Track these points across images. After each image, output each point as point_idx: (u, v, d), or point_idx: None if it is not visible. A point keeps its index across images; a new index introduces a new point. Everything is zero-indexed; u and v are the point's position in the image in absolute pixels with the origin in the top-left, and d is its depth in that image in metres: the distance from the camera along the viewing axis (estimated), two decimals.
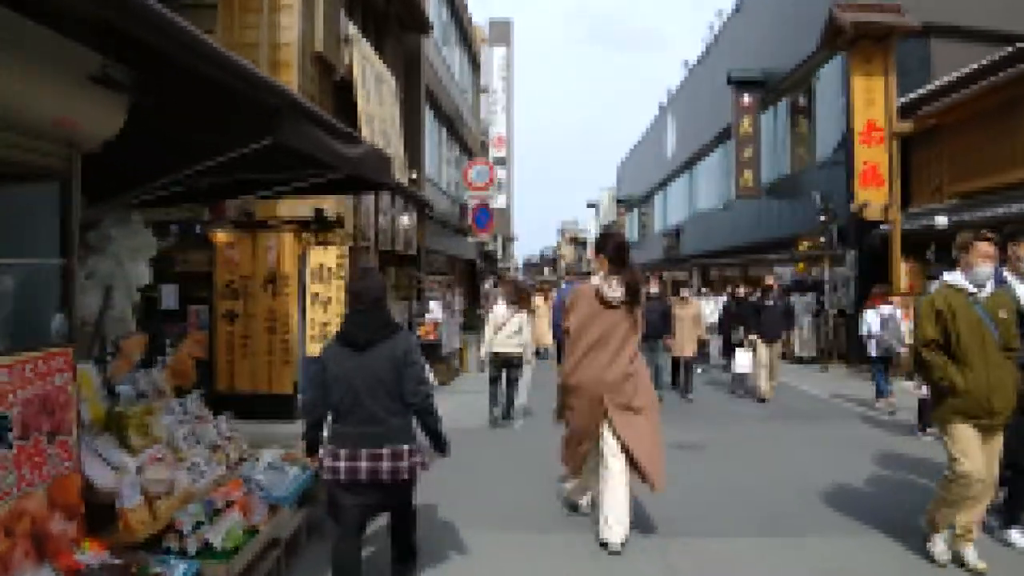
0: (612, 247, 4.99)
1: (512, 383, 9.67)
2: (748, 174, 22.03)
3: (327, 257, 9.27)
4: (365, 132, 11.06)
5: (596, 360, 4.83)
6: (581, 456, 5.16)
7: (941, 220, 12.63)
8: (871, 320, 10.22)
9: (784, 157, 22.01)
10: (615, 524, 4.74)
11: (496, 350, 9.40)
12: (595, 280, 4.93)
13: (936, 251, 13.79)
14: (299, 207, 9.23)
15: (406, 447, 3.79)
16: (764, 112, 22.59)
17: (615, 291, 4.80)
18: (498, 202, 27.60)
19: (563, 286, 15.12)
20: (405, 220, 11.95)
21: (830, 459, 7.53)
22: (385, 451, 3.72)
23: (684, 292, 11.97)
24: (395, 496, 4.01)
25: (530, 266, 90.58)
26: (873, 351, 10.32)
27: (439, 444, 4.04)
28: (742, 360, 11.17)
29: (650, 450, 4.80)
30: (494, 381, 9.64)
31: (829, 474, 6.82)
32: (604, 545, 4.81)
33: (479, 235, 14.35)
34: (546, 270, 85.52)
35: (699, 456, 7.73)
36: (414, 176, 14.34)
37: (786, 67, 20.96)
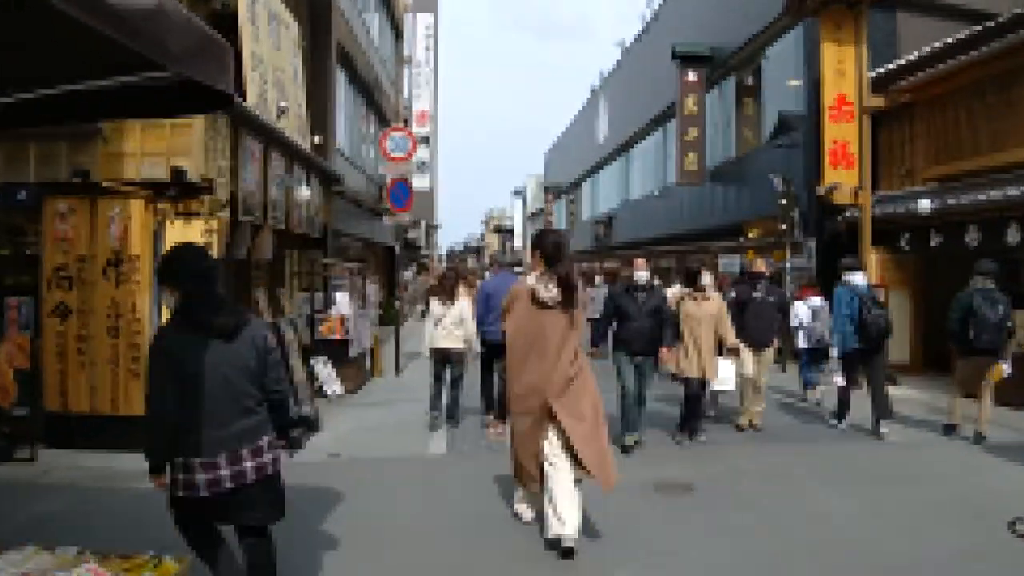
0: (550, 245, 4.84)
1: (456, 382, 8.66)
2: (692, 156, 20.46)
3: (190, 233, 7.09)
4: (253, 77, 8.82)
5: (539, 364, 4.67)
6: (536, 467, 4.79)
7: (925, 204, 11.14)
8: (802, 313, 10.49)
9: (730, 140, 20.54)
10: (567, 519, 4.51)
11: (434, 345, 8.49)
12: (530, 280, 4.79)
13: (911, 239, 12.38)
14: (152, 165, 6.98)
15: (267, 438, 3.42)
16: (709, 92, 21.04)
17: (550, 291, 4.67)
18: (421, 184, 25.42)
19: (487, 276, 13.24)
20: (304, 193, 9.74)
21: (856, 501, 5.76)
22: (263, 443, 3.37)
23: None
24: (264, 505, 3.42)
25: (454, 255, 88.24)
26: (803, 343, 10.53)
27: (291, 438, 3.86)
28: (725, 373, 7.82)
29: (598, 451, 4.65)
30: (436, 380, 8.61)
31: (868, 527, 5.05)
32: (555, 543, 4.57)
33: (397, 215, 12.20)
34: (470, 259, 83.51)
35: (690, 502, 5.87)
36: (318, 141, 12.10)
37: (733, 44, 19.46)
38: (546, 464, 4.69)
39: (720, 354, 7.77)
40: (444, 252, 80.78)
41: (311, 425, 8.23)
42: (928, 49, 12.36)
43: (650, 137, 27.83)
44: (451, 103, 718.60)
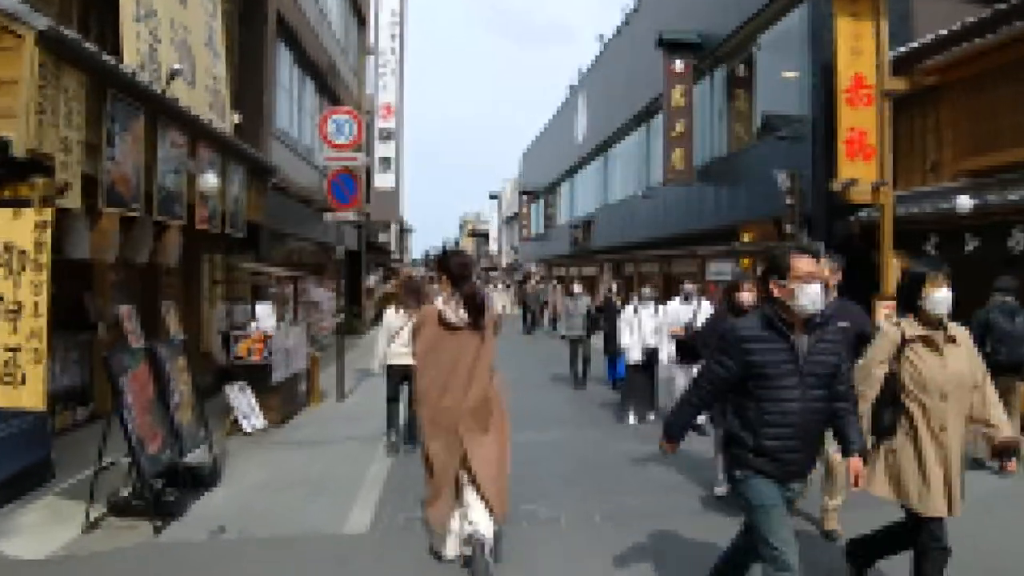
0: (456, 266, 4.71)
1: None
2: (679, 154, 18.66)
3: (16, 230, 5.17)
4: (135, 30, 6.89)
5: (448, 390, 4.54)
6: (448, 491, 4.64)
7: (964, 202, 9.37)
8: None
9: (720, 135, 18.79)
10: (479, 520, 4.48)
11: (392, 363, 7.73)
12: (438, 302, 4.66)
13: (940, 243, 10.65)
14: None
15: None
16: (698, 83, 19.29)
17: (458, 313, 4.55)
18: (385, 182, 23.46)
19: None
20: (210, 181, 7.74)
21: None
22: None
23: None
24: None
25: (428, 259, 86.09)
26: None
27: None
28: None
29: (495, 475, 4.59)
30: (392, 401, 7.85)
31: None
32: (467, 540, 4.54)
33: (340, 211, 10.27)
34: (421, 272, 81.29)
35: None
36: (237, 120, 10.13)
37: (722, 31, 17.74)
38: (466, 487, 4.60)
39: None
40: (416, 256, 78.75)
41: (198, 480, 6.28)
42: (958, 25, 10.66)
43: (632, 135, 26.09)
44: (426, 105, 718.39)
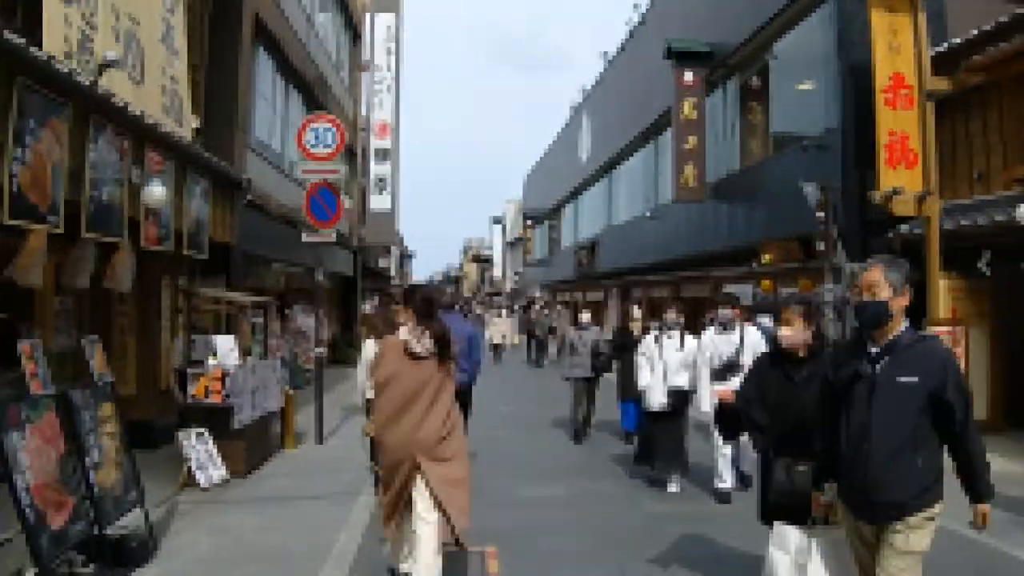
0: (420, 299, 4.78)
1: None
2: (690, 170, 17.53)
3: None
4: (61, 12, 5.80)
5: (407, 418, 4.57)
6: (399, 517, 4.75)
7: None
8: None
9: (733, 150, 17.69)
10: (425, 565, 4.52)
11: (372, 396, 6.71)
12: (402, 333, 4.70)
13: (993, 259, 9.48)
14: None
15: None
16: (709, 95, 18.22)
17: (423, 343, 4.59)
18: (381, 204, 22.37)
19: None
20: (156, 193, 6.58)
21: None
22: None
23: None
24: None
25: (430, 284, 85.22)
26: None
27: None
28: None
29: (454, 493, 4.61)
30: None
31: None
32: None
33: (319, 230, 9.12)
34: (448, 290, 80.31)
35: None
36: (195, 125, 9.01)
37: (734, 40, 16.70)
38: (417, 520, 4.60)
39: None
40: (422, 279, 77.69)
41: (126, 554, 5.06)
42: (1007, 17, 9.56)
43: (638, 153, 25.06)
44: (425, 131, 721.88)
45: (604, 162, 28.67)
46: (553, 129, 64.61)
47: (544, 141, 79.68)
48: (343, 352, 20.64)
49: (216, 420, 7.46)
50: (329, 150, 9.43)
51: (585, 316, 10.51)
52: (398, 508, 4.70)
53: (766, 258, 15.44)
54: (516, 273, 57.64)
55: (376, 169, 21.69)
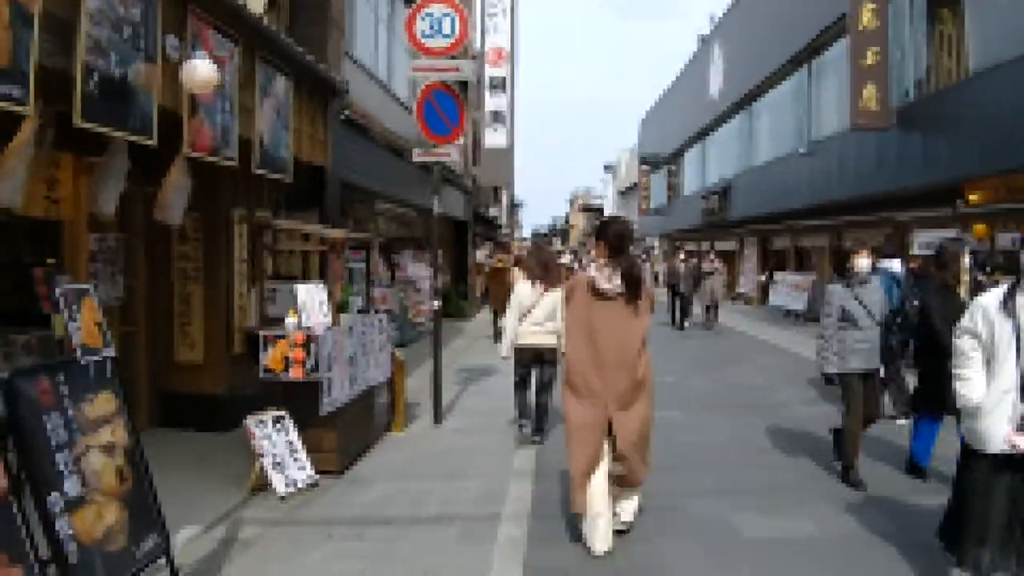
0: (612, 233, 4.47)
1: (546, 387, 6.72)
2: (870, 92, 14.38)
3: None
4: None
5: (600, 365, 4.31)
6: (591, 469, 4.29)
7: None
8: None
9: (917, 70, 14.50)
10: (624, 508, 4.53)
11: (522, 342, 6.57)
12: (591, 270, 4.48)
13: None
14: None
15: None
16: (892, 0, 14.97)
17: (612, 282, 4.31)
18: (496, 140, 20.09)
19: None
20: (203, 70, 4.40)
21: None
22: None
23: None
24: None
25: (539, 236, 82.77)
26: None
27: None
28: None
29: (637, 442, 4.35)
30: (520, 386, 6.79)
31: None
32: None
33: (438, 147, 6.91)
34: (555, 241, 77.90)
35: None
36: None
37: None
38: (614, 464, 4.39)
39: None
40: (528, 234, 75.79)
41: None
42: None
43: (787, 82, 21.82)
44: (531, 82, 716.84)
45: (742, 96, 25.46)
46: (665, 78, 60.31)
47: (653, 91, 75.73)
48: (455, 305, 18.68)
49: (299, 401, 5.41)
50: (449, 41, 7.13)
51: (862, 260, 5.62)
52: (590, 460, 4.31)
53: (973, 197, 12.36)
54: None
55: (491, 101, 19.36)
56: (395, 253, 14.31)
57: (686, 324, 17.73)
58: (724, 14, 28.80)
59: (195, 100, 4.80)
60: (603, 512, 4.29)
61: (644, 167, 44.77)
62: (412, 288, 14.15)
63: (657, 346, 15.58)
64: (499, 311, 15.32)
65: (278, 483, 5.19)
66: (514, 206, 58.85)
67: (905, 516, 4.90)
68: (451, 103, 7.26)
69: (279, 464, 5.30)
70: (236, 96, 5.44)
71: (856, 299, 5.52)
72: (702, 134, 32.10)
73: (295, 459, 5.43)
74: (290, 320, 5.37)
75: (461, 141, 17.74)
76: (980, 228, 12.20)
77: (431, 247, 15.98)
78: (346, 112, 8.42)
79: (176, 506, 4.21)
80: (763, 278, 24.90)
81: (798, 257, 23.17)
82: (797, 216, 20.72)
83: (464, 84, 21.77)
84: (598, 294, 4.32)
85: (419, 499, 5.24)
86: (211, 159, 5.16)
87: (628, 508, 4.55)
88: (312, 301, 5.38)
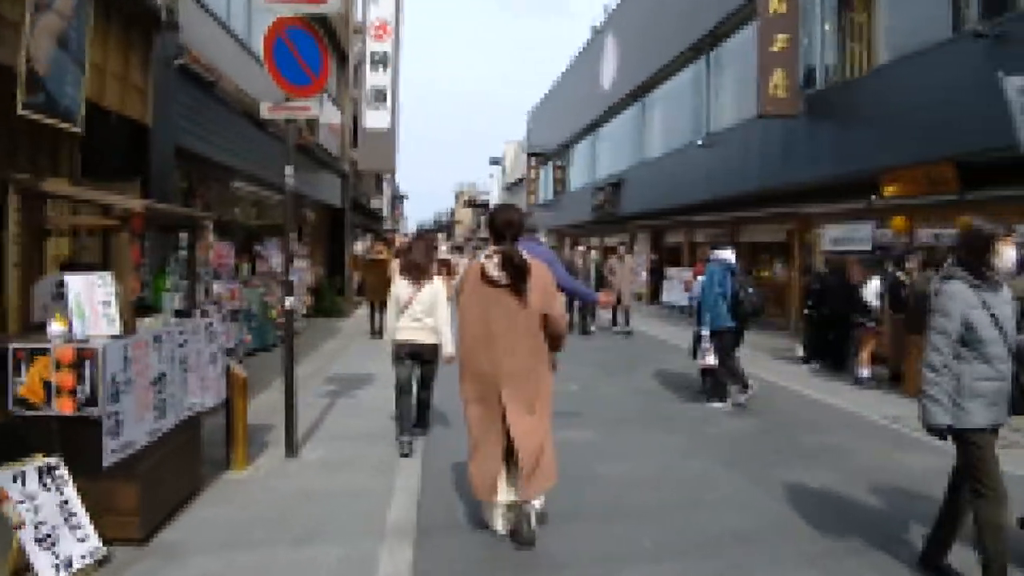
0: (499, 222, 4.46)
1: (426, 384, 6.61)
2: (779, 76, 13.59)
3: None
4: None
5: (491, 347, 4.28)
6: (492, 468, 4.29)
7: None
8: None
9: (828, 58, 13.85)
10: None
11: (402, 337, 6.21)
12: (481, 257, 4.43)
13: None
14: None
15: None
16: None
17: (499, 270, 4.28)
18: (378, 121, 18.31)
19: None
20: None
21: None
22: None
23: None
24: None
25: (424, 231, 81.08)
26: None
27: None
28: None
29: (536, 448, 4.27)
30: (403, 395, 6.18)
31: None
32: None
33: (291, 96, 5.23)
34: (440, 236, 76.20)
35: None
36: None
37: None
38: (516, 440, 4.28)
39: None
40: (413, 227, 73.72)
41: None
42: None
43: (684, 72, 21.10)
44: (417, 72, 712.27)
45: (635, 87, 24.65)
46: (552, 73, 59.14)
47: (539, 88, 74.64)
48: (330, 301, 16.85)
49: (80, 441, 3.72)
50: None
51: (1010, 251, 3.70)
52: (488, 447, 4.29)
53: (890, 190, 11.67)
54: None
55: (373, 76, 17.55)
56: (257, 243, 12.45)
57: (592, 328, 15.49)
58: (617, 6, 28.02)
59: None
60: (503, 499, 4.33)
61: (533, 161, 43.83)
62: (276, 283, 12.30)
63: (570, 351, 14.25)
64: (376, 304, 13.69)
65: (43, 565, 3.49)
66: (398, 198, 56.83)
67: None
68: (312, 45, 5.62)
69: (47, 538, 3.59)
70: None
71: (987, 309, 3.61)
72: (593, 126, 31.30)
73: (72, 527, 3.73)
74: (56, 328, 3.64)
75: (326, 99, 15.92)
76: (899, 221, 11.53)
77: (300, 236, 14.08)
78: (182, 60, 6.63)
79: None
80: (645, 274, 24.43)
81: (692, 253, 22.54)
82: (693, 211, 19.99)
83: (342, 58, 19.94)
84: (489, 281, 4.30)
85: None
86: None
87: (537, 502, 4.46)
88: (89, 297, 3.68)
